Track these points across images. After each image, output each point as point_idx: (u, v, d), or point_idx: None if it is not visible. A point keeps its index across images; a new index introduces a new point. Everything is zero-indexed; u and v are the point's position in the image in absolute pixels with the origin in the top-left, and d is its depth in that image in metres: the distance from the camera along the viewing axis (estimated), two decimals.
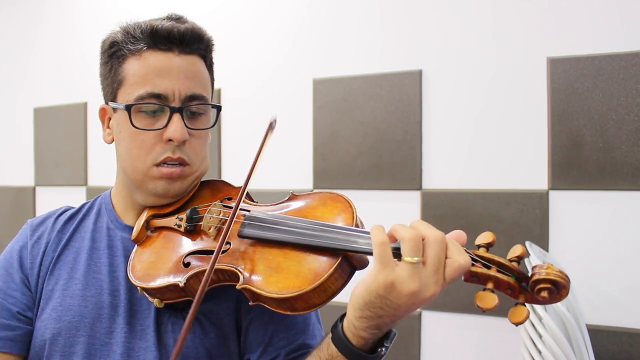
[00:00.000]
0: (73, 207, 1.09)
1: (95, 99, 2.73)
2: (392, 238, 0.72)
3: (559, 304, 1.44)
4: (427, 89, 2.05)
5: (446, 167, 2.02)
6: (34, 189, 2.94)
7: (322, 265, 0.78)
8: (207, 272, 0.77)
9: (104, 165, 2.70)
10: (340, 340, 0.75)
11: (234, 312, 0.94)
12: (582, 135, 1.81)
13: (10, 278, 0.99)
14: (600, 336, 1.75)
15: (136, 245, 0.97)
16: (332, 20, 2.23)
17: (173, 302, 0.90)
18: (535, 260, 1.54)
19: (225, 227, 0.81)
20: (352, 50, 2.19)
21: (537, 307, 1.45)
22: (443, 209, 2.00)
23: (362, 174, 2.13)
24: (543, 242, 1.84)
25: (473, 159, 1.98)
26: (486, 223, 1.92)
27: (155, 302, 0.90)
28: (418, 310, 2.03)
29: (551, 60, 1.85)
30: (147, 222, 0.98)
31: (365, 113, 2.13)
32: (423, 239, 0.70)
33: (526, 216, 1.88)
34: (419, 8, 2.08)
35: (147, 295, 0.91)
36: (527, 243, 1.67)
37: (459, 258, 0.70)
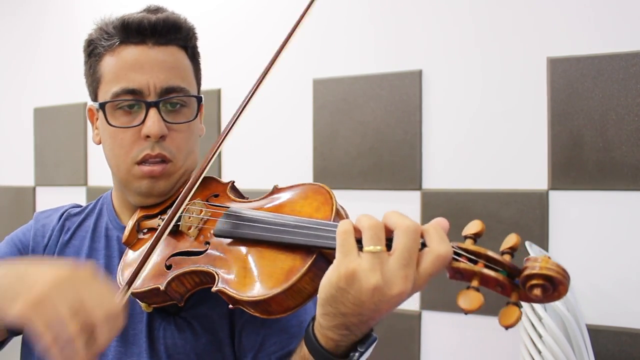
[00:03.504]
0: (80, 206, 1.08)
1: None
2: (358, 231, 0.65)
3: (558, 303, 1.44)
4: (427, 89, 2.05)
5: (446, 167, 2.02)
6: (34, 189, 2.94)
7: (295, 265, 0.72)
8: (143, 257, 0.76)
9: (104, 165, 2.69)
10: (309, 340, 0.69)
11: (227, 315, 0.90)
12: (582, 135, 1.81)
13: (15, 252, 0.99)
14: (600, 336, 1.75)
15: (127, 248, 0.94)
16: (332, 20, 2.23)
17: (162, 306, 0.87)
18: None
19: (168, 216, 0.78)
20: (352, 50, 2.18)
21: (537, 307, 1.45)
22: (443, 209, 2.00)
23: (362, 174, 2.13)
24: (543, 242, 1.84)
25: (473, 159, 1.98)
26: (486, 223, 1.89)
27: (143, 306, 0.87)
28: (418, 310, 2.03)
29: (551, 60, 1.85)
30: (138, 223, 0.95)
31: (365, 113, 2.13)
32: (392, 230, 0.63)
33: (526, 216, 1.88)
34: (419, 8, 2.08)
35: (136, 300, 0.88)
36: (527, 243, 1.67)
37: (440, 247, 0.61)
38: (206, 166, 0.82)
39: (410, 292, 0.62)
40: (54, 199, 2.84)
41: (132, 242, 0.94)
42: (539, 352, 1.44)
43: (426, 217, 2.02)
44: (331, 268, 0.64)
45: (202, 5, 2.44)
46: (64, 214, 1.05)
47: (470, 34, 1.99)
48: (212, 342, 0.89)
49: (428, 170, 2.05)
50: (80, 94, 2.77)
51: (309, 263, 0.71)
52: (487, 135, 1.96)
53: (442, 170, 2.03)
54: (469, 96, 1.99)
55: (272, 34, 2.35)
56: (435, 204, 2.02)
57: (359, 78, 2.15)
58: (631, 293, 1.75)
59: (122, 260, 0.92)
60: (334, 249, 0.66)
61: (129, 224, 0.95)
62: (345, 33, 2.20)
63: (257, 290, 0.73)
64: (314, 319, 0.69)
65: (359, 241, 0.64)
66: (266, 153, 2.31)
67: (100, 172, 2.72)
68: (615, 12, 1.79)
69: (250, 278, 0.75)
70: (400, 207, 2.08)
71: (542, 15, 1.89)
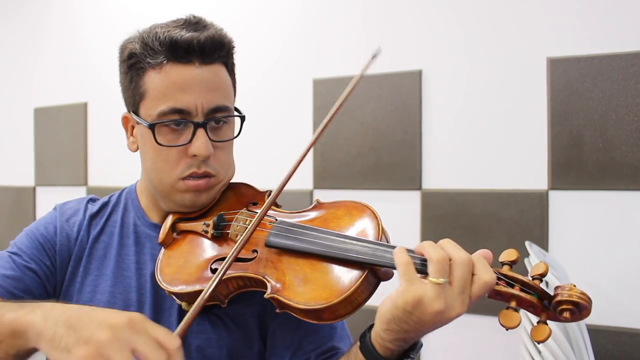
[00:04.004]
0: (98, 198, 1.10)
1: (95, 99, 2.73)
2: (420, 253, 0.74)
3: None
4: (427, 89, 2.05)
5: (446, 167, 2.02)
6: (34, 189, 2.94)
7: (350, 278, 0.79)
8: (222, 269, 0.79)
9: (104, 165, 2.70)
10: (367, 349, 0.77)
11: (258, 315, 0.96)
12: (582, 135, 1.81)
13: (38, 246, 1.00)
14: (600, 336, 1.75)
15: (163, 248, 0.97)
16: (332, 20, 2.23)
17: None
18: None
19: (244, 234, 0.82)
20: (352, 50, 2.19)
21: None
22: (443, 209, 2.00)
23: (362, 174, 2.13)
24: (543, 242, 1.84)
25: (473, 159, 1.98)
26: (486, 223, 1.92)
27: (183, 305, 0.92)
28: None
29: (551, 60, 1.85)
30: (173, 224, 0.99)
31: (365, 113, 2.13)
32: (450, 260, 0.72)
33: (526, 216, 1.88)
34: (419, 8, 2.08)
35: (174, 298, 0.93)
36: (527, 243, 1.67)
37: (485, 276, 0.71)
38: (287, 179, 0.89)
39: (463, 313, 0.71)
40: (54, 199, 2.83)
41: (167, 243, 0.98)
42: (539, 352, 1.44)
43: (426, 217, 2.02)
44: (397, 293, 0.72)
45: (202, 5, 2.43)
46: (89, 205, 1.06)
47: (470, 34, 1.99)
48: (244, 338, 0.95)
49: (428, 170, 2.05)
50: (80, 94, 2.79)
51: (363, 277, 0.79)
52: (487, 136, 1.96)
53: (442, 170, 2.03)
54: (469, 96, 1.99)
55: (273, 35, 2.35)
56: (435, 204, 2.02)
57: None
58: (631, 293, 1.75)
59: (160, 259, 0.95)
60: (384, 266, 0.78)
61: (165, 226, 0.98)
62: (345, 33, 2.20)
63: (314, 299, 0.79)
64: (369, 329, 0.79)
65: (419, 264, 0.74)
66: (266, 153, 2.31)
67: (100, 172, 2.72)
68: (615, 12, 1.79)
69: (305, 288, 0.81)
70: (400, 207, 2.08)
71: (542, 15, 1.89)
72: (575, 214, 1.83)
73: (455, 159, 2.01)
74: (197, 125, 0.92)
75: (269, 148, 2.32)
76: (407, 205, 2.06)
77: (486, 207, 1.94)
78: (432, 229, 2.02)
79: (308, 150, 0.91)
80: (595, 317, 1.77)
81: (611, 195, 1.78)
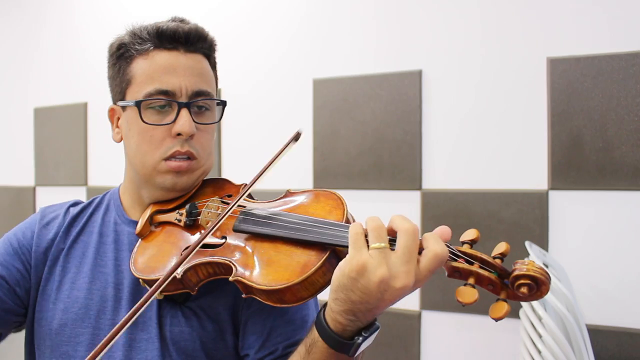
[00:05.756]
0: (82, 201, 1.12)
1: (95, 99, 2.73)
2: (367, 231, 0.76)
3: (558, 304, 1.44)
4: (427, 89, 2.05)
5: (446, 167, 2.02)
6: (34, 189, 2.94)
7: (311, 259, 0.81)
8: (189, 251, 0.81)
9: (104, 165, 2.70)
10: (320, 323, 0.77)
11: (231, 307, 0.97)
12: (582, 135, 1.81)
13: (10, 251, 1.02)
14: (600, 336, 1.75)
15: (140, 240, 1.00)
16: (332, 20, 2.23)
17: (172, 294, 0.93)
18: (535, 260, 1.54)
19: (217, 219, 0.84)
20: (353, 50, 2.19)
21: (537, 306, 1.46)
22: (443, 209, 2.00)
23: (362, 174, 2.13)
24: (543, 242, 1.85)
25: (473, 159, 1.98)
26: (486, 223, 1.92)
27: (156, 294, 0.92)
28: (418, 310, 2.04)
29: (551, 60, 1.85)
30: (150, 217, 1.01)
31: (365, 113, 2.13)
32: (395, 231, 0.74)
33: (526, 216, 1.88)
34: (420, 8, 2.08)
35: (147, 287, 0.94)
36: (527, 243, 1.68)
37: (436, 247, 0.72)
38: (261, 174, 0.90)
39: (412, 287, 0.71)
40: (54, 199, 2.83)
41: (144, 234, 1.00)
42: (539, 352, 1.44)
43: (426, 217, 2.02)
44: (344, 260, 0.74)
45: (203, 6, 2.44)
46: (71, 209, 1.09)
47: (471, 34, 1.99)
48: (216, 331, 0.96)
49: (428, 170, 2.05)
50: (80, 94, 2.79)
51: (324, 258, 0.80)
52: (487, 135, 1.96)
53: (442, 170, 2.03)
54: (469, 96, 1.99)
55: (274, 35, 2.35)
56: (435, 204, 2.02)
57: (359, 78, 2.15)
58: (631, 293, 1.75)
59: (135, 250, 0.98)
60: (346, 246, 0.77)
61: (144, 217, 1.01)
62: (346, 33, 2.20)
63: (275, 280, 0.80)
64: (325, 305, 0.78)
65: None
66: (266, 152, 2.31)
67: (100, 172, 2.72)
68: (615, 12, 1.79)
69: (268, 270, 0.83)
70: (400, 207, 2.08)
71: (542, 15, 1.89)
72: (575, 214, 1.83)
73: (455, 159, 2.01)
74: (181, 105, 0.96)
75: (269, 148, 2.32)
76: (407, 205, 2.06)
77: (486, 207, 1.94)
78: (432, 229, 2.00)
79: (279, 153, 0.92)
80: (595, 317, 1.77)
81: (611, 195, 1.78)
